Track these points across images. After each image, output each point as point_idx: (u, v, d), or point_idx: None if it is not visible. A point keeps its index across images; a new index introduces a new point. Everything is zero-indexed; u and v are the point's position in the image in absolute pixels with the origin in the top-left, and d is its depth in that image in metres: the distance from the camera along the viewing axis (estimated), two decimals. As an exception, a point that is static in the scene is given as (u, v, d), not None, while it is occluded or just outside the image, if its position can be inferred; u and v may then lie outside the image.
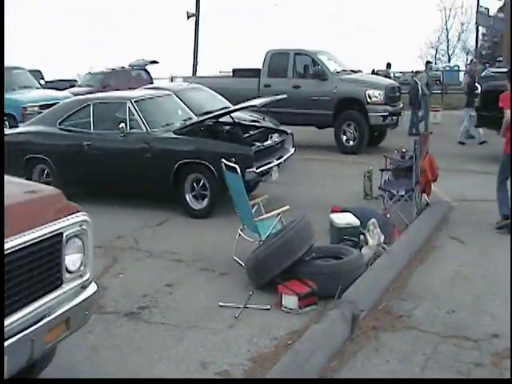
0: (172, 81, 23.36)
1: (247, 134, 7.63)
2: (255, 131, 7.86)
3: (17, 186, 3.10)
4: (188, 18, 28.10)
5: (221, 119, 8.13)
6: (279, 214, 5.31)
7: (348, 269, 4.61)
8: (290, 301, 4.38)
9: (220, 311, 4.53)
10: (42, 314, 2.94)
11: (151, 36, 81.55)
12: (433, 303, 4.59)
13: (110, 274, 5.47)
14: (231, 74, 13.75)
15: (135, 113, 7.52)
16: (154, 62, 27.31)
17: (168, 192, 7.43)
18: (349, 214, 5.62)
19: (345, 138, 11.83)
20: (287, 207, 5.41)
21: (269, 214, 5.33)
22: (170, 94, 8.57)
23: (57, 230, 2.96)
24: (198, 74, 27.76)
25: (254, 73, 13.00)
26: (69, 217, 3.06)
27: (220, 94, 11.20)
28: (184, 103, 9.68)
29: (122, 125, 7.36)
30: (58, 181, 8.04)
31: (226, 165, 5.47)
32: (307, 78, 12.27)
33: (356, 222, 5.43)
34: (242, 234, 5.50)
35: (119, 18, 71.15)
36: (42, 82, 15.86)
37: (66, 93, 14.06)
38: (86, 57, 78.13)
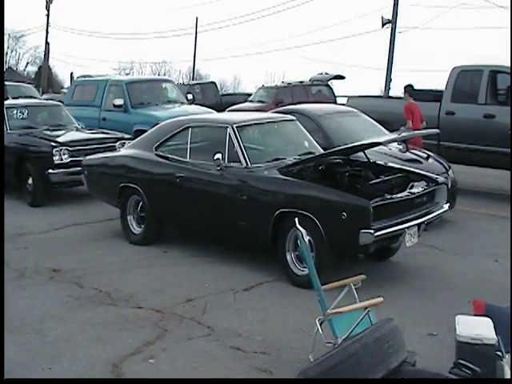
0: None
1: (377, 180, 6.53)
2: (392, 176, 6.69)
3: None
4: (383, 25, 27.33)
5: (352, 157, 7.14)
6: (366, 307, 4.20)
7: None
8: None
9: None
10: None
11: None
12: None
13: (140, 356, 4.84)
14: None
15: (235, 142, 6.85)
16: (339, 76, 26.96)
17: (265, 247, 6.66)
18: (485, 321, 4.22)
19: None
20: (380, 299, 4.27)
21: (351, 307, 4.27)
22: (293, 120, 7.77)
23: None
24: (391, 91, 27.39)
25: (434, 96, 11.71)
26: None
27: (389, 120, 10.43)
28: (322, 132, 9.00)
29: (219, 156, 6.74)
30: (151, 217, 7.75)
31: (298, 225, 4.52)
32: (506, 105, 10.57)
33: (491, 336, 3.99)
34: (319, 328, 4.45)
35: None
36: (189, 96, 15.82)
37: (208, 110, 13.91)
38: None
